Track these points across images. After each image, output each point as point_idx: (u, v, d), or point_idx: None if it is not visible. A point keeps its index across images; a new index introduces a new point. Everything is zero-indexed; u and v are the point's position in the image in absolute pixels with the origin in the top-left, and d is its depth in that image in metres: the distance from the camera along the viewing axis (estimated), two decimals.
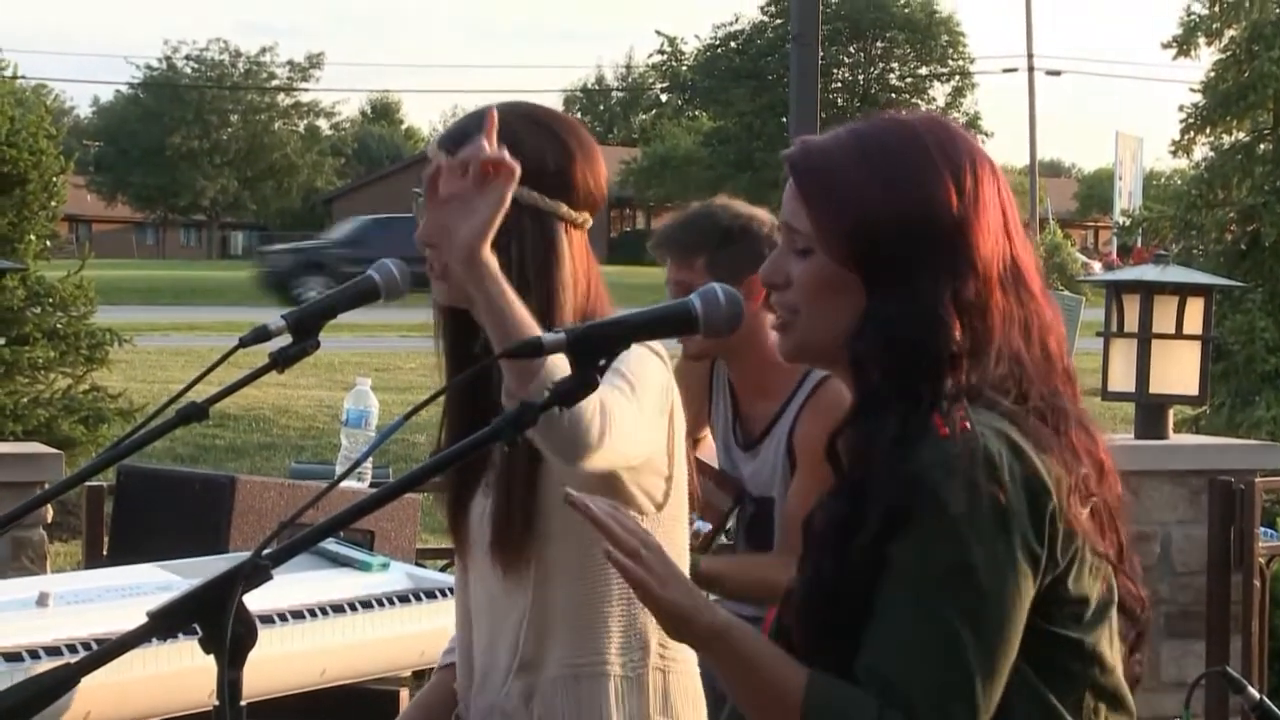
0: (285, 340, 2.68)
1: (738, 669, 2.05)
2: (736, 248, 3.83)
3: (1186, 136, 14.36)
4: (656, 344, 2.66)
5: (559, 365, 2.29)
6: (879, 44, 58.56)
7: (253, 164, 69.98)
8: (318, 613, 3.60)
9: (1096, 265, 37.63)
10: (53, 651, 3.15)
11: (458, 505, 2.79)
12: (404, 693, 4.13)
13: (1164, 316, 6.70)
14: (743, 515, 4.00)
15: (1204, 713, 6.01)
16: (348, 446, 4.97)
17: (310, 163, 71.26)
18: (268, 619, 3.42)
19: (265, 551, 1.99)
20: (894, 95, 56.92)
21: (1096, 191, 64.61)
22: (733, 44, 58.42)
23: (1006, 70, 65.23)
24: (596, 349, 2.17)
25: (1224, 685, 4.60)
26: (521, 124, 2.64)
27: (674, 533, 2.76)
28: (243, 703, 1.96)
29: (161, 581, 3.61)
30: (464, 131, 2.65)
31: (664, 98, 71.07)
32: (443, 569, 4.58)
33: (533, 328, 2.42)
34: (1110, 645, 2.13)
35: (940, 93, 59.10)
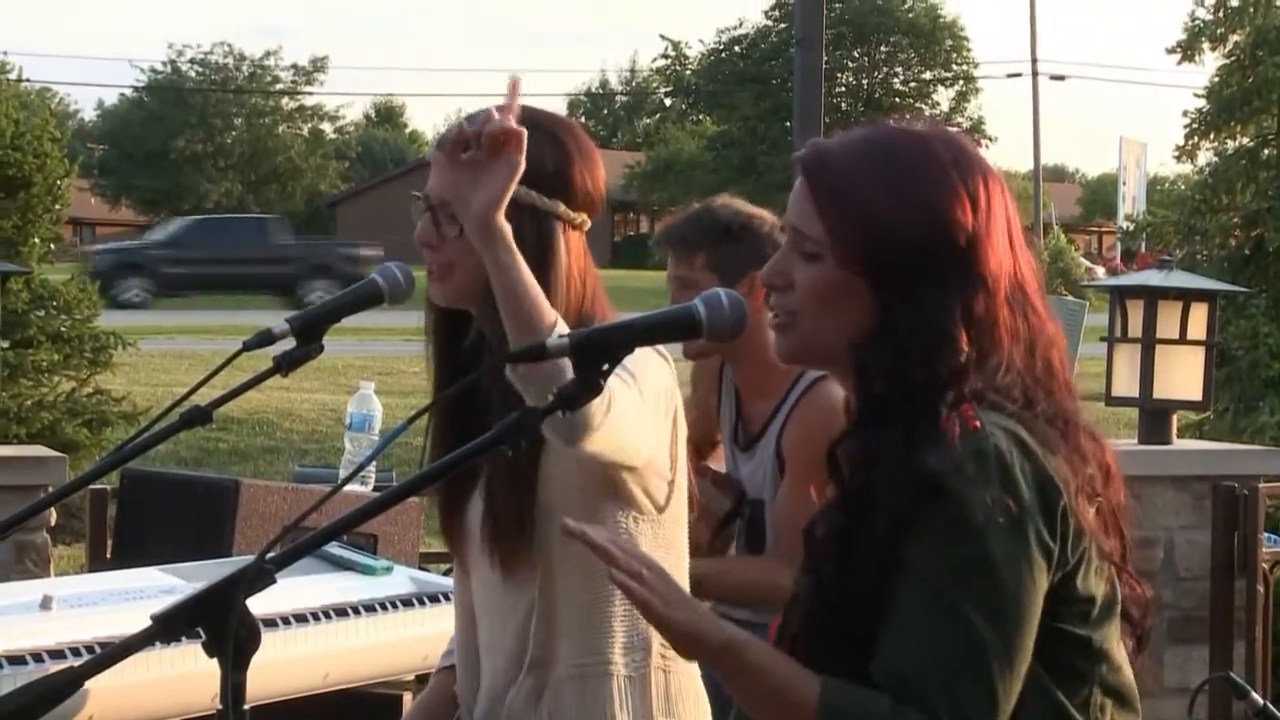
0: (289, 344, 2.68)
1: (749, 680, 2.05)
2: (737, 245, 3.84)
3: (1191, 142, 14.38)
4: (661, 348, 2.66)
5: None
6: (883, 48, 58.54)
7: (257, 167, 69.95)
8: (321, 616, 3.60)
9: (1100, 270, 37.64)
10: (56, 655, 3.15)
11: (452, 507, 2.79)
12: (407, 696, 4.13)
13: (1168, 322, 6.69)
14: (743, 518, 4.00)
15: (1207, 718, 6.00)
16: (351, 450, 4.97)
17: (314, 166, 71.22)
18: (271, 623, 3.42)
19: (269, 555, 1.99)
20: (898, 100, 56.90)
21: (1100, 196, 64.55)
22: (737, 48, 58.41)
23: (1011, 75, 65.52)
24: (600, 353, 2.17)
25: (1228, 691, 4.60)
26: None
27: (675, 536, 2.76)
28: (246, 706, 1.96)
29: (165, 585, 3.61)
30: (463, 136, 2.67)
31: (668, 102, 71.05)
32: (446, 573, 4.58)
33: (541, 300, 2.46)
34: (1117, 643, 2.14)
35: (944, 97, 59.08)
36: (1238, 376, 12.14)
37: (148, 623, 1.98)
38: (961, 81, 59.61)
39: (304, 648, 3.54)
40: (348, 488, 4.17)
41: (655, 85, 72.31)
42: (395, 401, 13.64)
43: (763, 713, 2.06)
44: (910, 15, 57.95)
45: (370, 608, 3.71)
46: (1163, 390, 6.65)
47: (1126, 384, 6.74)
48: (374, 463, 4.82)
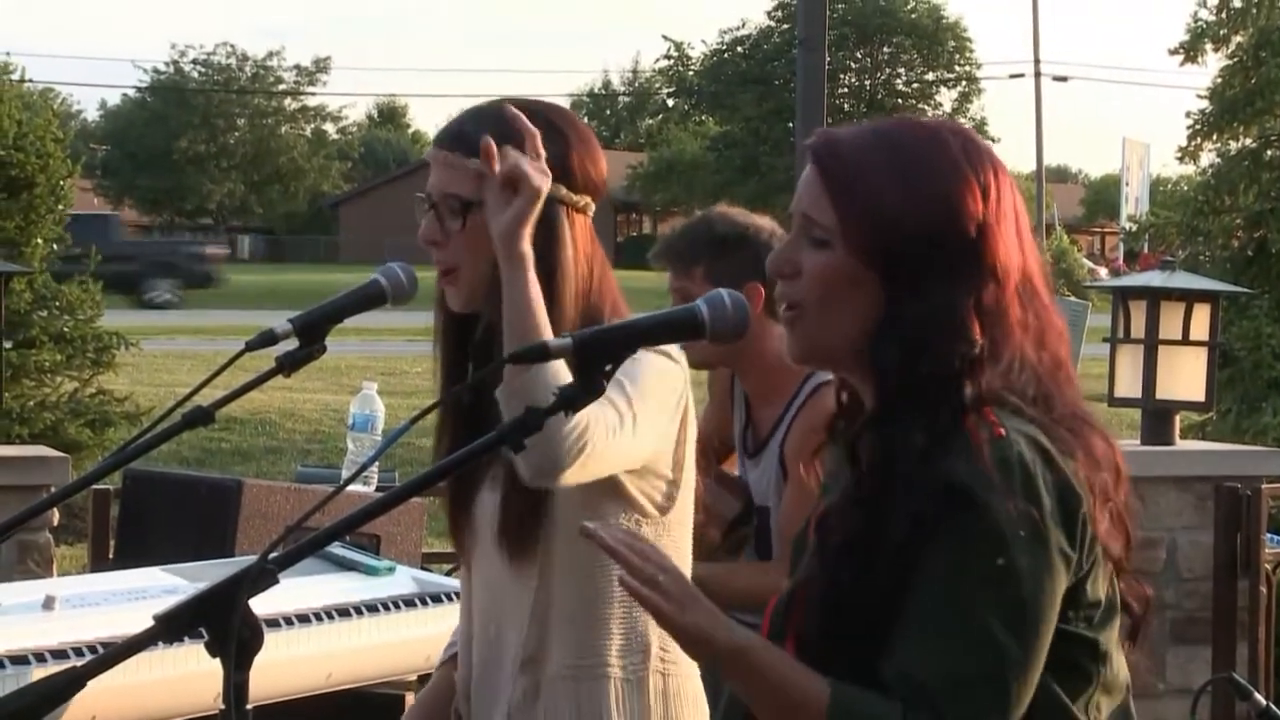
0: (292, 344, 2.68)
1: (760, 684, 2.04)
2: (734, 257, 3.85)
3: (1193, 142, 14.37)
4: (674, 350, 2.66)
5: (560, 371, 2.30)
6: (886, 49, 58.55)
7: (259, 168, 69.98)
8: (324, 616, 3.60)
9: (1103, 271, 37.67)
10: (59, 655, 3.15)
11: (460, 502, 2.79)
12: (409, 696, 4.13)
13: (1170, 322, 6.69)
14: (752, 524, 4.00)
15: (1210, 719, 6.00)
16: (354, 450, 4.97)
17: (317, 167, 71.24)
18: (274, 623, 3.42)
19: (271, 555, 1.99)
20: (901, 100, 56.91)
21: (1103, 197, 64.59)
22: (739, 49, 58.44)
23: (1013, 76, 65.53)
24: (603, 354, 2.17)
25: (1230, 692, 4.60)
26: (515, 115, 2.67)
27: (680, 538, 2.76)
28: (249, 706, 1.96)
29: (167, 585, 3.62)
30: (461, 130, 2.69)
31: (670, 102, 71.08)
32: (448, 573, 4.58)
33: (543, 320, 2.49)
34: (1116, 643, 2.14)
35: (947, 98, 59.12)
36: (1240, 377, 12.13)
37: (150, 623, 1.98)
38: (964, 82, 59.64)
39: (307, 648, 3.54)
40: (350, 488, 4.17)
41: (658, 86, 72.35)
42: (398, 402, 13.64)
43: (771, 716, 2.06)
44: (913, 16, 57.96)
45: (373, 608, 3.71)
46: (1165, 391, 6.65)
47: (1129, 385, 6.74)
48: (377, 463, 4.82)
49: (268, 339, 2.66)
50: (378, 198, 64.29)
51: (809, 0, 13.18)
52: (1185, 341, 6.69)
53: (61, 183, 11.50)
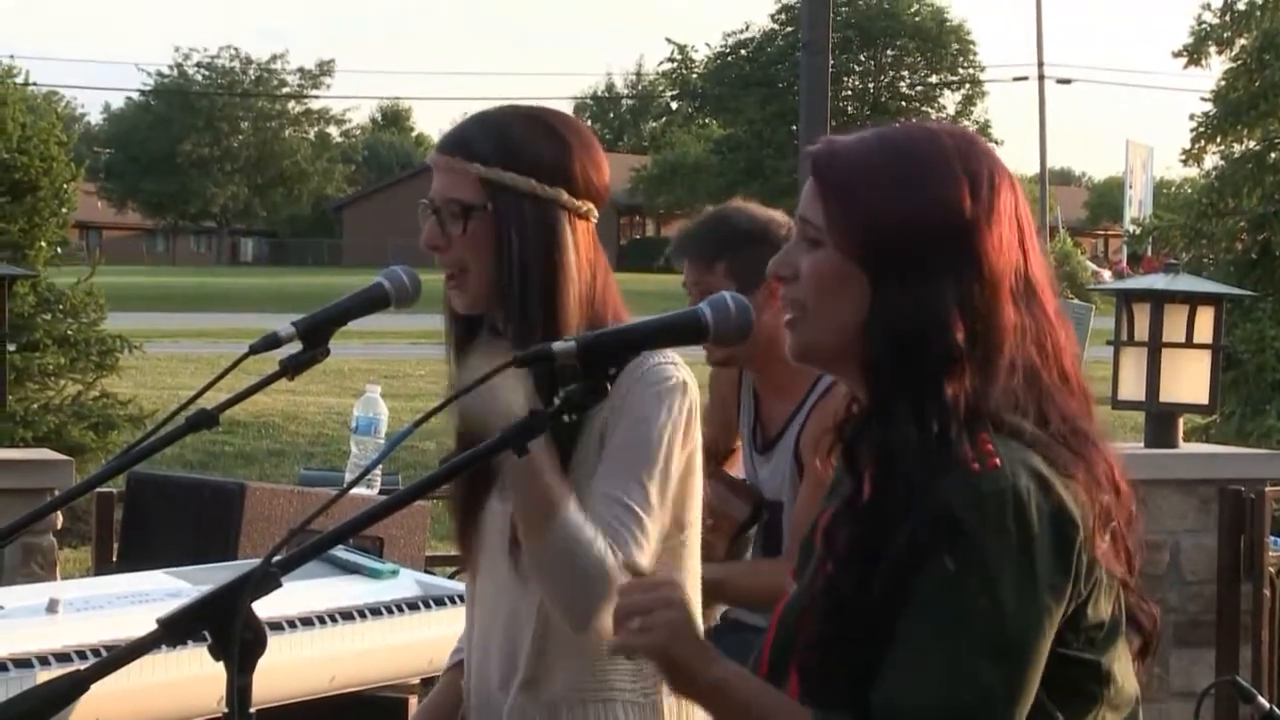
0: (295, 347, 2.68)
1: (739, 717, 2.04)
2: (757, 251, 3.83)
3: (1197, 145, 14.38)
4: (675, 355, 2.65)
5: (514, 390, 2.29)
6: (889, 52, 58.58)
7: (263, 171, 70.04)
8: (327, 620, 3.60)
9: (1107, 274, 37.64)
10: (62, 658, 3.15)
11: (468, 510, 2.78)
12: (413, 700, 4.13)
13: (1174, 325, 6.69)
14: (761, 521, 3.99)
15: None
16: (357, 453, 4.97)
17: (320, 170, 71.31)
18: (277, 626, 3.42)
19: (275, 558, 1.99)
20: (904, 103, 56.94)
21: (1107, 200, 64.61)
22: (743, 52, 58.47)
23: (1017, 78, 65.56)
24: (606, 357, 2.17)
25: (1234, 695, 4.60)
26: (518, 121, 2.68)
27: (690, 542, 2.74)
28: (252, 709, 1.96)
29: (171, 588, 3.61)
30: (464, 135, 2.69)
31: (674, 105, 71.08)
32: (451, 576, 4.58)
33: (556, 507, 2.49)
34: (1120, 662, 2.12)
35: (950, 101, 59.13)
36: (1244, 380, 12.13)
37: (154, 626, 1.98)
38: (968, 85, 59.66)
39: (310, 651, 3.54)
40: (353, 491, 4.17)
41: (661, 89, 72.33)
42: (401, 405, 13.65)
43: None
44: (916, 19, 57.98)
45: (376, 611, 3.71)
46: (1169, 394, 6.65)
47: (1133, 387, 6.74)
48: (380, 466, 4.82)
49: (271, 342, 2.65)
50: (381, 201, 64.35)
51: (813, 3, 13.19)
52: (1189, 344, 6.69)
53: (65, 186, 11.51)
